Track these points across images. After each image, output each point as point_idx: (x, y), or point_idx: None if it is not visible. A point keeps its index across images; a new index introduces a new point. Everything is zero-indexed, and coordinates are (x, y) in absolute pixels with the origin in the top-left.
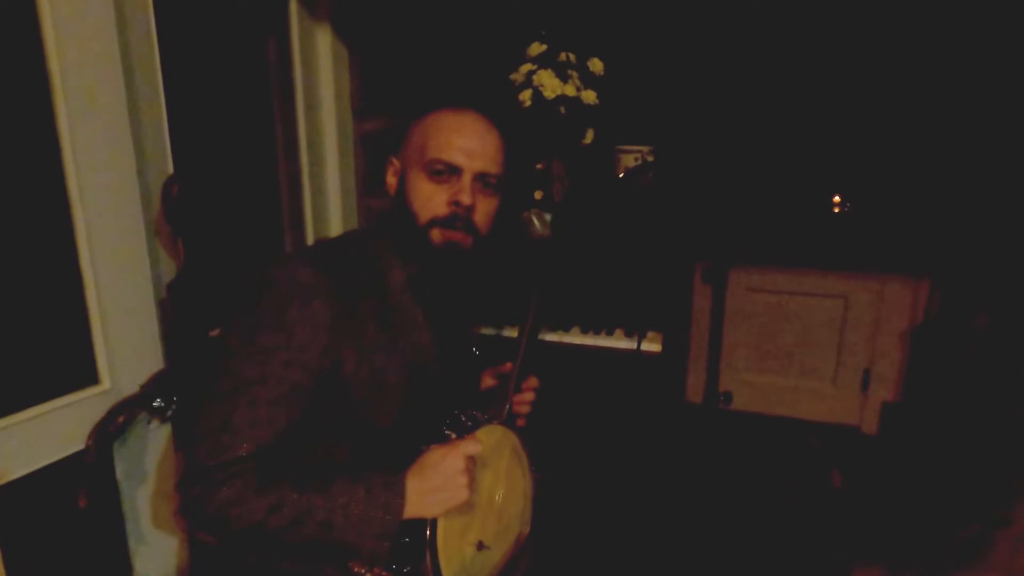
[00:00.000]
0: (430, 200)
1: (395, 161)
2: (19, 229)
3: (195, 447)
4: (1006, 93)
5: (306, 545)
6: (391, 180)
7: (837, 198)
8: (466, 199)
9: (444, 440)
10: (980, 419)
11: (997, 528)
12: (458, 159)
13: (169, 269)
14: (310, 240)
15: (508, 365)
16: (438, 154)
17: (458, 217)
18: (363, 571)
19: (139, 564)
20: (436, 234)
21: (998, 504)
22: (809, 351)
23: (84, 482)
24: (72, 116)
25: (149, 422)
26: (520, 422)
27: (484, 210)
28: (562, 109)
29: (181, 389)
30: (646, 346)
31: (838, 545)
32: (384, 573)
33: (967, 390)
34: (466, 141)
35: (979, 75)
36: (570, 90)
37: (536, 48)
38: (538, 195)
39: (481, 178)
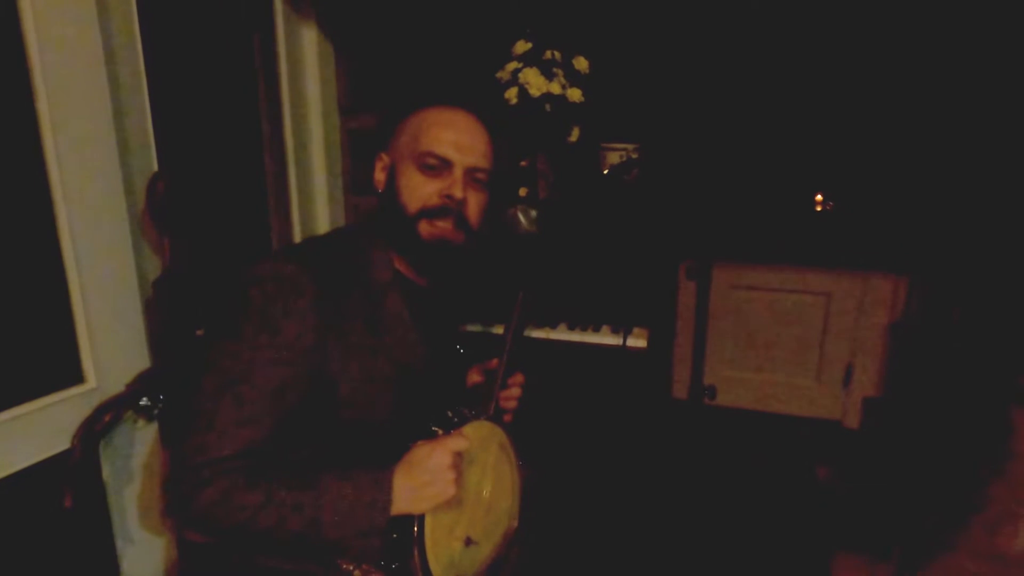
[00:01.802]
0: (421, 191)
1: (384, 156)
2: (2, 228)
3: (182, 445)
4: (984, 98)
5: (294, 542)
6: (379, 175)
7: (819, 196)
8: (458, 193)
9: (431, 436)
10: (956, 411)
11: (971, 513)
12: (450, 153)
13: (155, 267)
14: (297, 238)
15: (494, 362)
16: (430, 147)
17: (449, 210)
18: (351, 568)
19: (127, 564)
20: (425, 225)
21: (971, 490)
22: (793, 347)
23: (70, 482)
24: (54, 113)
25: (135, 421)
26: (507, 418)
27: (474, 205)
28: (548, 107)
29: (167, 388)
30: (632, 342)
31: (821, 536)
32: (373, 570)
33: (944, 384)
34: (458, 136)
35: (957, 81)
36: (556, 88)
37: (522, 46)
38: (523, 192)
39: (471, 173)
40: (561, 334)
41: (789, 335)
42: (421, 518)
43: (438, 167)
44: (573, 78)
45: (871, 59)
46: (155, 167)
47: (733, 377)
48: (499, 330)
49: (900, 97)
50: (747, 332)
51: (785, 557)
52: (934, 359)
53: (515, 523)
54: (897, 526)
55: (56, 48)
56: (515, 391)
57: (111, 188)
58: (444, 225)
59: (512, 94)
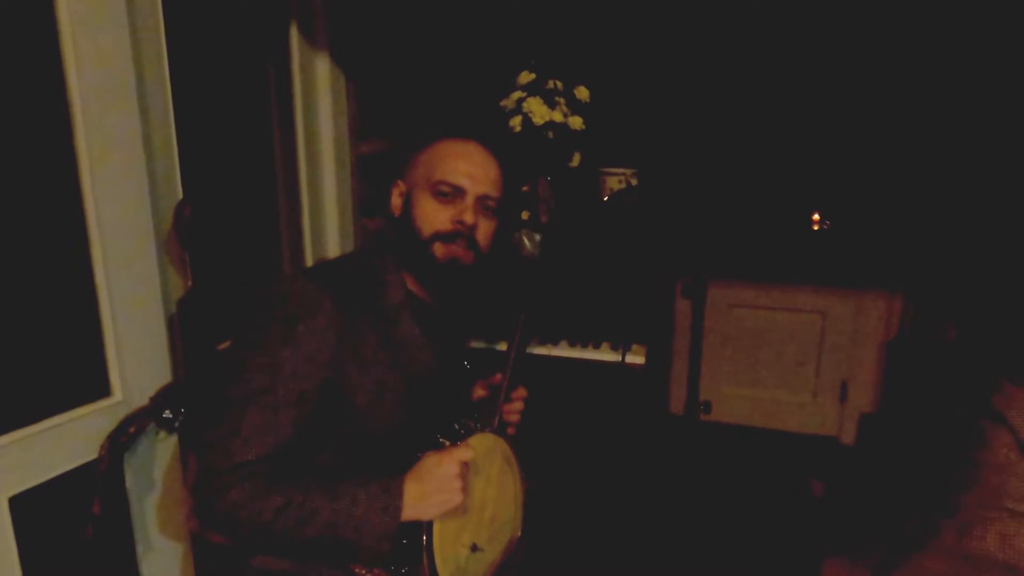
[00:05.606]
0: (435, 217)
1: (400, 184)
2: (39, 251)
3: (207, 451)
4: (976, 121)
5: (311, 544)
6: (396, 201)
7: (817, 216)
8: (469, 219)
9: (439, 447)
10: (940, 425)
11: (943, 517)
12: (463, 182)
13: (178, 287)
14: (309, 257)
15: (498, 376)
16: (444, 177)
17: (461, 234)
18: (364, 572)
19: (146, 569)
20: (439, 248)
21: (946, 497)
22: (790, 364)
23: (98, 490)
24: (92, 148)
25: (158, 433)
26: (510, 430)
27: (484, 230)
28: (550, 134)
29: (189, 401)
30: (630, 359)
31: (814, 547)
32: (384, 574)
33: (934, 399)
34: (470, 167)
35: (953, 101)
36: (558, 116)
37: (525, 76)
38: (524, 216)
39: (482, 200)
40: (562, 351)
41: (785, 352)
42: (430, 524)
43: (451, 194)
44: (574, 107)
45: (865, 81)
46: (180, 194)
47: (729, 393)
48: (503, 347)
49: (896, 116)
50: (743, 349)
51: (779, 568)
52: (928, 376)
53: (518, 531)
54: (881, 530)
55: (95, 90)
56: (518, 405)
57: (140, 215)
58: (456, 248)
59: (516, 122)
